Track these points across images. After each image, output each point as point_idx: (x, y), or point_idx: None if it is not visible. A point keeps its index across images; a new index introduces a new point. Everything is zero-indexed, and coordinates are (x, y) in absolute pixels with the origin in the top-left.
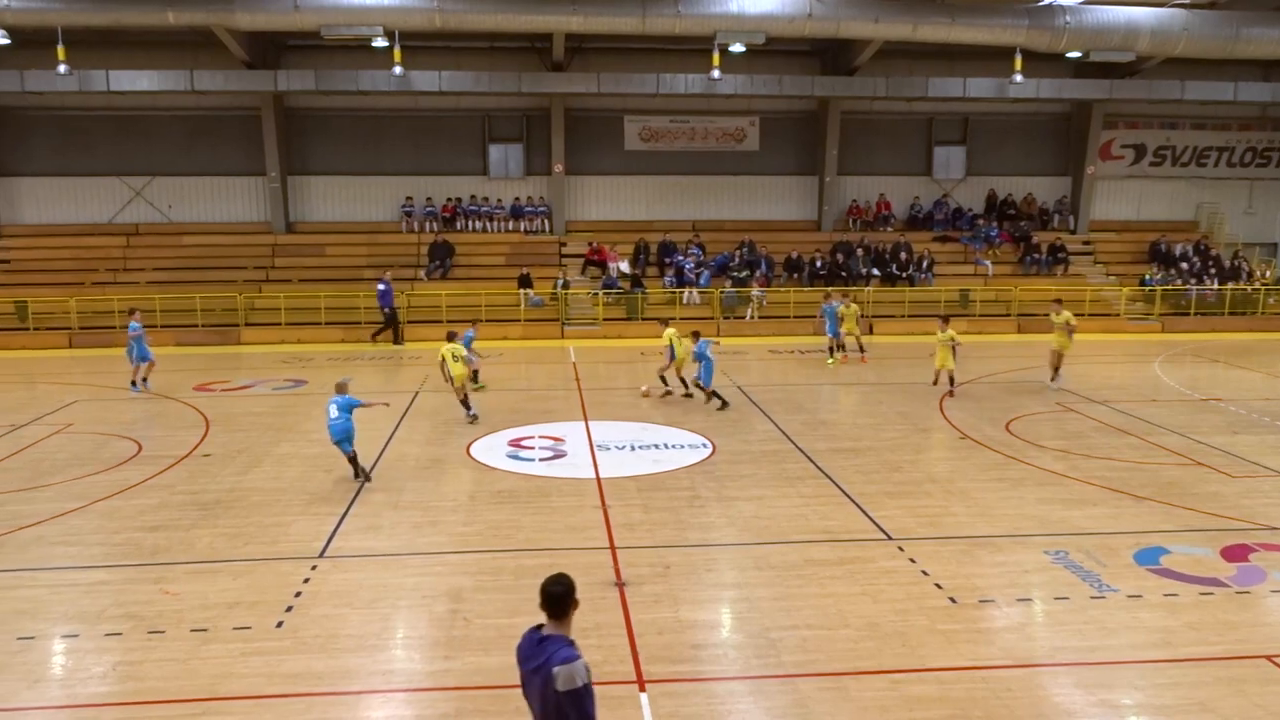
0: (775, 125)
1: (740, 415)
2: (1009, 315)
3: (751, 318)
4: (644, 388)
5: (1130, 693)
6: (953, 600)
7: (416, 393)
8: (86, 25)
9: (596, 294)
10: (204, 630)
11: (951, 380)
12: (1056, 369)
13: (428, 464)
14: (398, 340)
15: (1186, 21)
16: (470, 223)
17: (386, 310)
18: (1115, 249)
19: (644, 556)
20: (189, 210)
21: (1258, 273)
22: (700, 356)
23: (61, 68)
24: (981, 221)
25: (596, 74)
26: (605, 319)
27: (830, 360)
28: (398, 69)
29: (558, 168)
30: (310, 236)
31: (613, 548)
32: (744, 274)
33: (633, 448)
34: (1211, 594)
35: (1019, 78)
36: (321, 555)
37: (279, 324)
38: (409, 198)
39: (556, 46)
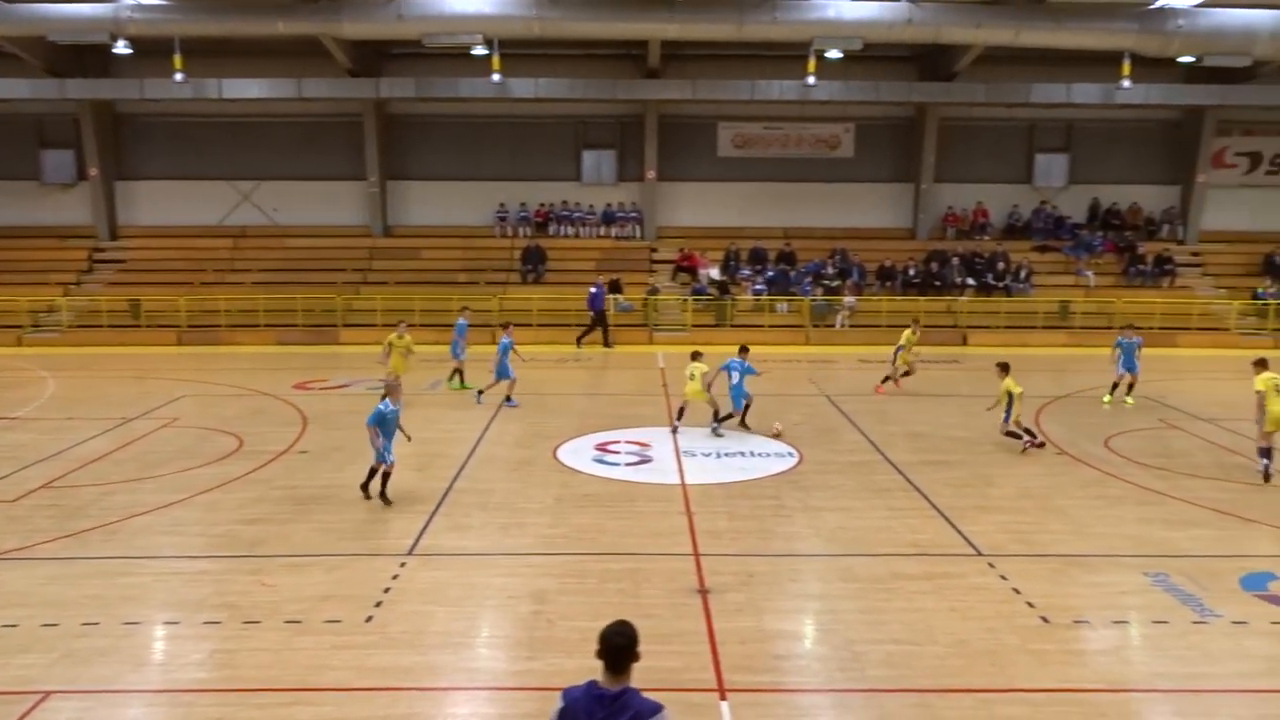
0: (870, 132)
1: (829, 425)
2: (1111, 328)
3: (842, 326)
4: (777, 426)
5: None
6: (1045, 620)
7: (508, 397)
8: (202, 35)
9: (685, 300)
10: (297, 622)
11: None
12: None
13: (516, 465)
14: (607, 343)
15: None
16: (562, 228)
17: (594, 313)
18: (1226, 260)
19: (728, 564)
20: (293, 213)
21: None
22: (738, 378)
23: (178, 76)
24: (1084, 231)
25: (691, 80)
26: (694, 325)
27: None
28: (496, 76)
29: (650, 174)
30: (407, 240)
31: (696, 555)
32: (835, 283)
33: (719, 455)
34: None
35: (1127, 83)
36: (410, 553)
37: (375, 325)
38: (502, 203)
39: (652, 53)
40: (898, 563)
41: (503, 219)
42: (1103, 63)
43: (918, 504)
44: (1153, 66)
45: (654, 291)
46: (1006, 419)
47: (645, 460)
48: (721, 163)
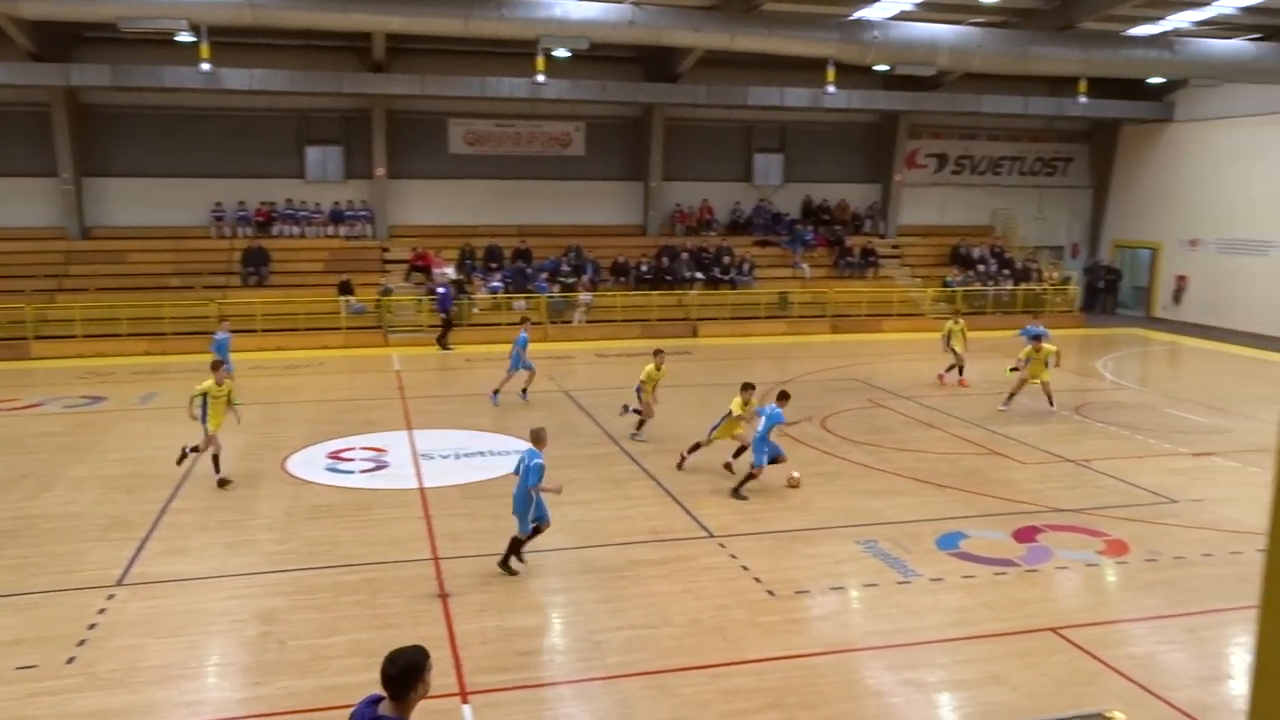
0: (601, 131)
1: (568, 420)
2: (824, 316)
3: (579, 322)
4: (794, 474)
5: (933, 670)
6: (771, 593)
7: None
8: None
9: (421, 300)
10: None
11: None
12: (1049, 396)
13: (240, 480)
14: (443, 344)
15: (981, 39)
16: (287, 228)
17: (444, 314)
18: (921, 252)
19: (469, 566)
20: None
21: (1046, 274)
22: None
23: None
24: (799, 226)
25: (419, 75)
26: (430, 326)
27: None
28: (205, 66)
29: (379, 171)
30: (109, 242)
31: (436, 559)
32: (571, 279)
33: (457, 456)
34: (1005, 574)
35: (832, 89)
36: (120, 583)
37: (74, 336)
38: (219, 202)
39: (377, 46)
40: (635, 550)
41: (220, 218)
42: (811, 69)
43: (653, 492)
44: (854, 74)
45: (387, 292)
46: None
47: (381, 466)
48: (454, 160)
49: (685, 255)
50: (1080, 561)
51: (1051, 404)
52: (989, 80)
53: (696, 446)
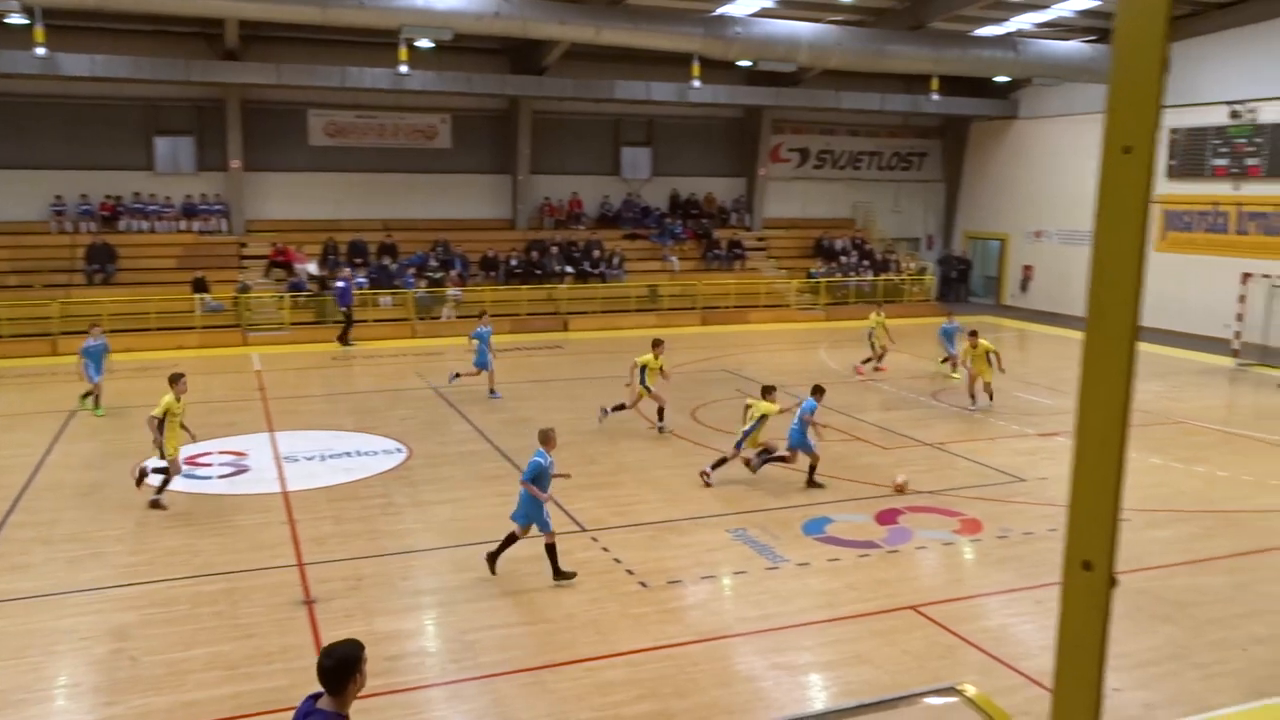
0: (467, 123)
1: (437, 417)
2: (694, 308)
3: (448, 318)
4: (900, 478)
5: (800, 653)
6: (643, 584)
7: (74, 411)
8: None
9: (282, 297)
10: None
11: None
12: (973, 395)
13: (87, 490)
14: (345, 340)
15: (839, 37)
16: (135, 222)
17: (344, 309)
18: (785, 244)
19: (335, 570)
20: None
21: (904, 265)
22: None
23: None
24: (668, 220)
25: (276, 64)
26: (293, 323)
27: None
28: (40, 50)
29: (235, 163)
30: None
31: (301, 564)
32: (439, 274)
33: (323, 457)
34: (868, 555)
35: (697, 83)
36: None
37: None
38: (59, 195)
39: (230, 33)
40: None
41: (60, 213)
42: (677, 63)
43: None
44: (719, 69)
45: (245, 289)
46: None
47: (241, 470)
48: (314, 152)
49: (555, 249)
50: (938, 541)
51: (975, 401)
52: (848, 77)
53: (722, 461)
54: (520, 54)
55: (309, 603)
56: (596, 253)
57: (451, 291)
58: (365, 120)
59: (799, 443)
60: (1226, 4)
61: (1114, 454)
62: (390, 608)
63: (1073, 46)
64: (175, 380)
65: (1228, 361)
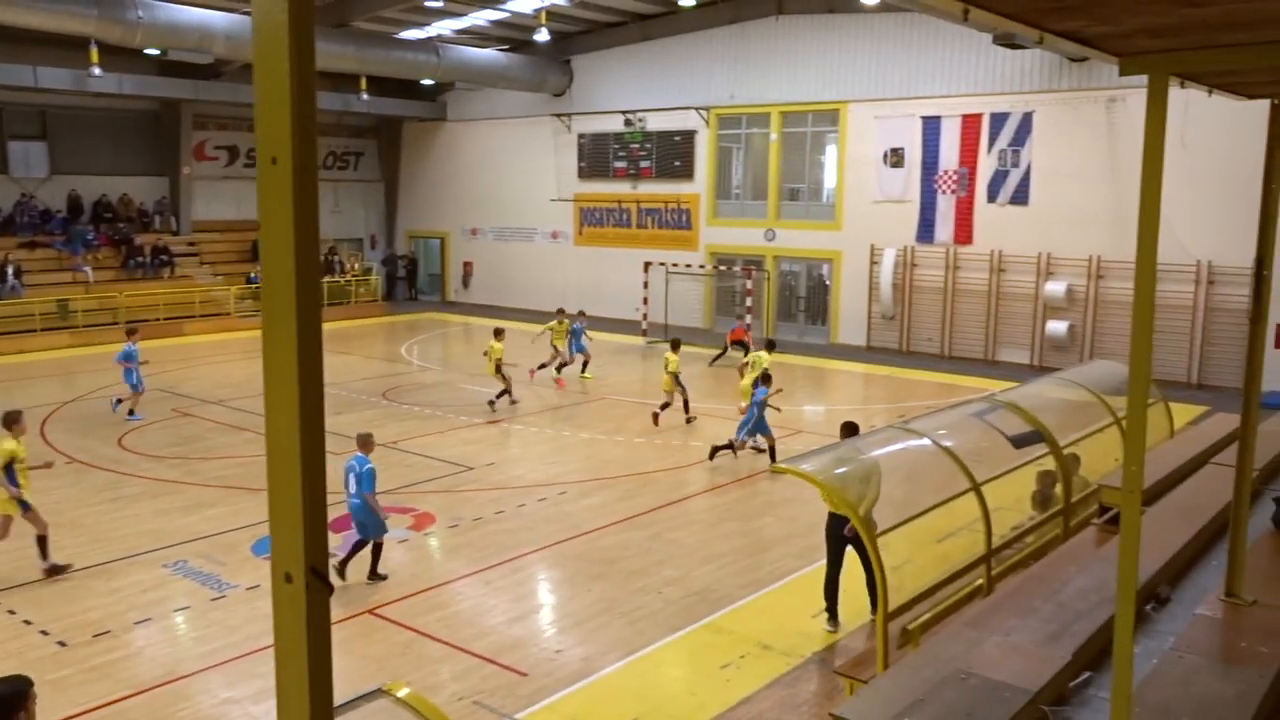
0: None
1: None
2: (117, 323)
3: None
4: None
5: (253, 681)
6: (62, 644)
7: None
8: None
9: None
10: None
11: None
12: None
13: None
14: None
15: None
16: None
17: None
18: (220, 249)
19: None
20: None
21: (349, 265)
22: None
23: None
24: (77, 225)
25: None
26: None
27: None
28: None
29: None
30: None
31: None
32: None
33: None
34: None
35: (98, 71)
36: None
37: None
38: None
39: None
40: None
41: None
42: (74, 47)
43: None
44: (127, 57)
45: None
46: None
47: None
48: None
49: None
50: (394, 539)
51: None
52: None
53: (729, 446)
54: None
55: None
56: None
57: None
58: None
59: (757, 426)
60: (615, 24)
61: (296, 465)
62: None
63: (489, 54)
64: (13, 422)
65: (639, 340)
